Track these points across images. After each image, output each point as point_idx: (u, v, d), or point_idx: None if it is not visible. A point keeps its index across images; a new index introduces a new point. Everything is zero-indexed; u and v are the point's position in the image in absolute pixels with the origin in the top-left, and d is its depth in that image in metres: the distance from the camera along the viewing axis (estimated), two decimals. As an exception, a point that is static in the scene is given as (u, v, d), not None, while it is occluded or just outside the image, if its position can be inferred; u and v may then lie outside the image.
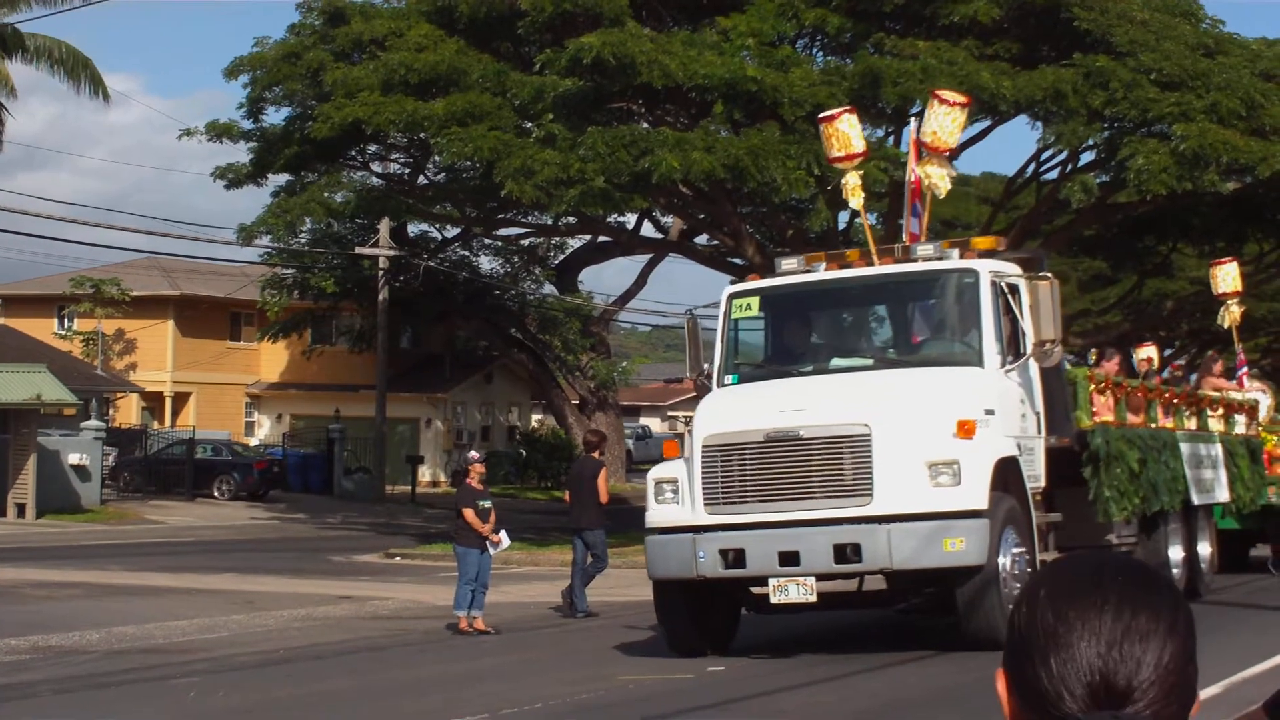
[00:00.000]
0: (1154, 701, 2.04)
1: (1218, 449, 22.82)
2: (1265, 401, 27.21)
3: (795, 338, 18.71)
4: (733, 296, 18.33)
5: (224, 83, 65.43)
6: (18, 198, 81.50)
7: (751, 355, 18.75)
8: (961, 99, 20.53)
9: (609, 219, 42.78)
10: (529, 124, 36.28)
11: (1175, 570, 20.53)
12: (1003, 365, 17.02)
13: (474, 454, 21.75)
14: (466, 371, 69.55)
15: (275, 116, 45.39)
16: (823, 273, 18.33)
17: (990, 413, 16.32)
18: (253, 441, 68.62)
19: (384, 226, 51.99)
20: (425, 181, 48.47)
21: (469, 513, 20.11)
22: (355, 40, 40.64)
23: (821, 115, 21.10)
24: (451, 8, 38.23)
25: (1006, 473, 16.24)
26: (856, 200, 19.78)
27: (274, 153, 43.77)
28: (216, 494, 57.29)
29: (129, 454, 59.88)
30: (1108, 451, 18.55)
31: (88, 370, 61.19)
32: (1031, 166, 40.66)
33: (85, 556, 33.09)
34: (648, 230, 51.72)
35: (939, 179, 19.90)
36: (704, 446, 16.20)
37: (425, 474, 64.98)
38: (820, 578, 15.88)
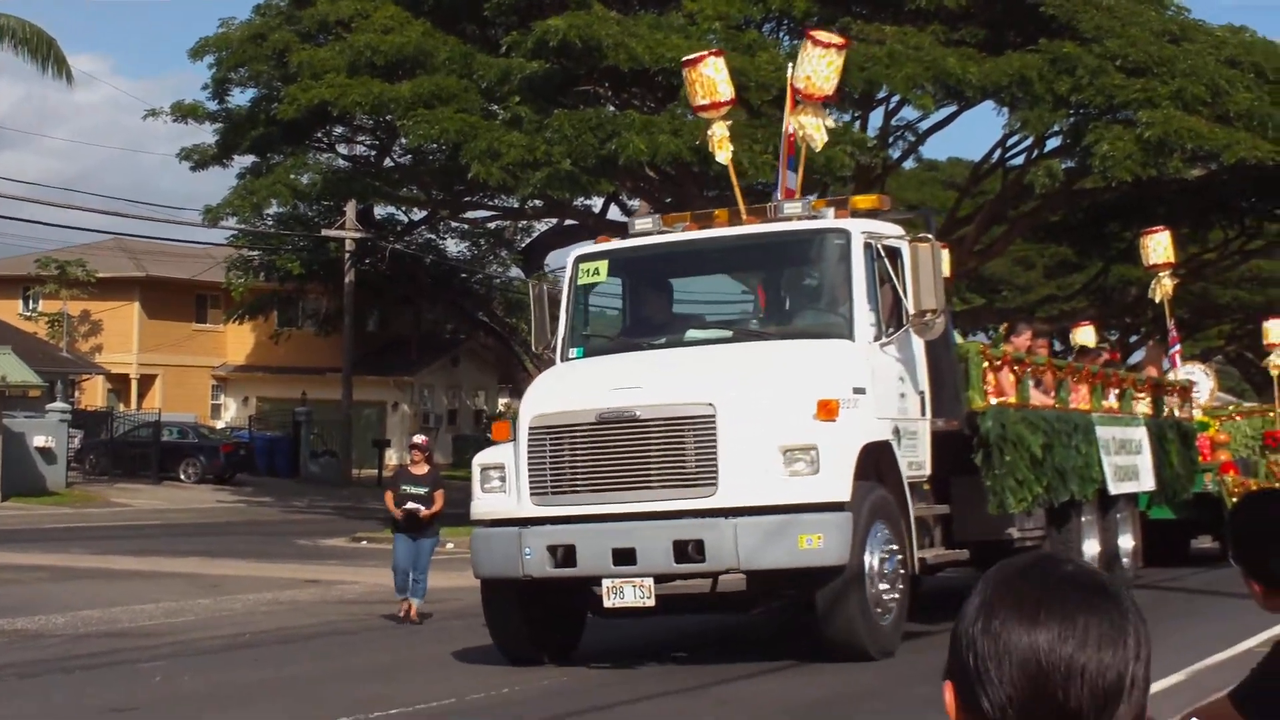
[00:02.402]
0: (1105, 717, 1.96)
1: (1142, 432, 21.00)
2: (1207, 384, 26.19)
3: (648, 306, 16.89)
4: (579, 260, 16.58)
5: (191, 64, 64.96)
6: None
7: (606, 327, 17.17)
8: (838, 40, 18.28)
9: (575, 202, 42.74)
10: (495, 106, 36.26)
11: None
12: (877, 338, 15.33)
13: (416, 437, 20.71)
14: (433, 355, 69.48)
15: (241, 98, 45.30)
16: (677, 234, 16.53)
17: (860, 391, 14.64)
18: (219, 424, 68.50)
19: (350, 209, 51.87)
20: (391, 164, 48.36)
21: (388, 495, 19.80)
22: (321, 21, 40.51)
23: (685, 59, 19.00)
24: (418, -10, 38.15)
25: (878, 459, 14.66)
26: (724, 154, 17.72)
27: (240, 134, 43.64)
28: (183, 477, 57.19)
29: (95, 436, 59.70)
30: (1002, 435, 16.70)
31: (53, 352, 60.96)
32: (997, 152, 40.79)
33: (50, 540, 32.99)
34: (614, 214, 51.67)
35: (814, 129, 17.82)
36: (530, 429, 14.50)
37: (391, 458, 64.83)
38: (659, 579, 14.18)
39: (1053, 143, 37.66)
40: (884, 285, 15.59)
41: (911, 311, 15.28)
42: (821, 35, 18.45)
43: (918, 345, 15.80)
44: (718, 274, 17.54)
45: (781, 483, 13.77)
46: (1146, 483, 20.91)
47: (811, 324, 15.81)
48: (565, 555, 14.20)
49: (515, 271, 60.78)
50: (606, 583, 14.11)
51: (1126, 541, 20.56)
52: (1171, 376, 24.02)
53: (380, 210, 55.59)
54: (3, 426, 45.30)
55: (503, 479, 14.66)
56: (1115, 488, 19.47)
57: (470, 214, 52.89)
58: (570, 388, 14.96)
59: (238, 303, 57.99)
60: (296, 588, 24.36)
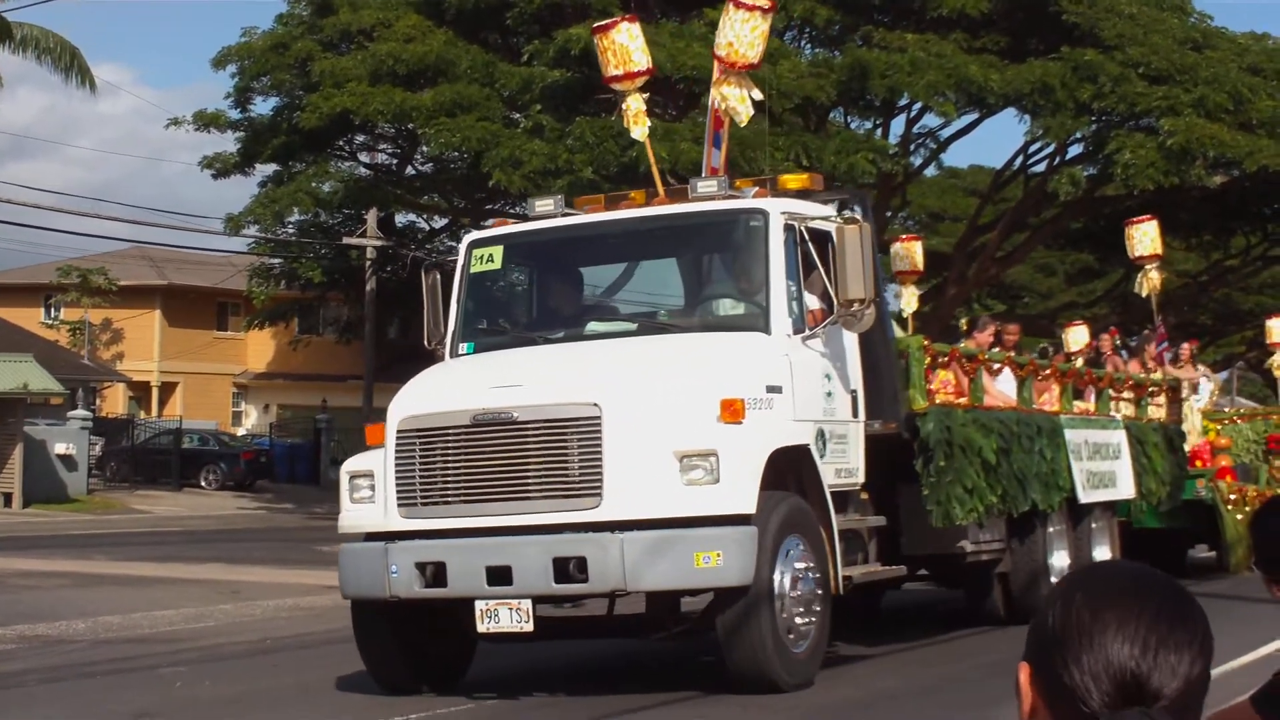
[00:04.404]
0: (1175, 710, 2.14)
1: (1120, 436, 19.41)
2: (1207, 387, 25.25)
3: (549, 297, 15.38)
4: (471, 245, 15.10)
5: (213, 73, 65.21)
6: (5, 187, 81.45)
7: (503, 319, 15.64)
8: (763, 3, 16.19)
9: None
10: (517, 115, 36.34)
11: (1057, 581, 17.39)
12: (799, 331, 13.71)
13: None
14: (454, 362, 69.58)
15: (263, 106, 45.45)
16: (577, 216, 15.00)
17: (775, 390, 13.08)
18: (240, 431, 68.65)
19: (371, 216, 51.93)
20: (413, 172, 48.50)
21: None
22: (343, 31, 40.63)
23: (596, 25, 17.34)
24: (440, -2, 38.23)
25: (798, 466, 13.20)
26: (640, 130, 16.13)
27: (262, 143, 43.78)
28: (203, 484, 57.34)
29: (116, 444, 59.90)
30: (947, 439, 15.12)
31: (74, 360, 61.13)
32: (1019, 159, 40.79)
33: (71, 546, 33.06)
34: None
35: (737, 101, 16.04)
36: (398, 432, 13.12)
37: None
38: (538, 600, 12.56)
39: (1075, 150, 37.68)
40: (811, 273, 14.09)
41: (837, 301, 13.61)
42: None
43: (850, 340, 14.27)
44: (625, 260, 15.69)
45: (676, 493, 12.21)
46: (1125, 490, 19.35)
47: (724, 315, 14.30)
48: (435, 573, 12.76)
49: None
50: (480, 605, 12.55)
51: (1102, 553, 18.89)
52: (1158, 375, 22.77)
53: (401, 218, 55.69)
54: (24, 434, 45.43)
55: (372, 488, 13.38)
56: (1086, 496, 17.94)
57: (491, 221, 53.00)
58: (447, 386, 13.51)
59: (258, 309, 58.16)
60: (317, 594, 24.33)
